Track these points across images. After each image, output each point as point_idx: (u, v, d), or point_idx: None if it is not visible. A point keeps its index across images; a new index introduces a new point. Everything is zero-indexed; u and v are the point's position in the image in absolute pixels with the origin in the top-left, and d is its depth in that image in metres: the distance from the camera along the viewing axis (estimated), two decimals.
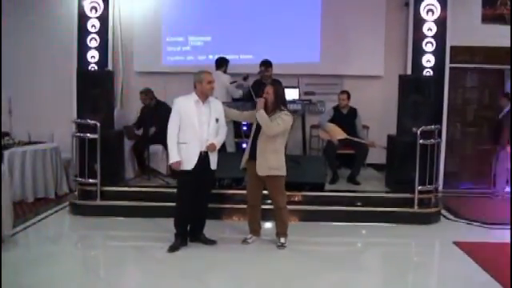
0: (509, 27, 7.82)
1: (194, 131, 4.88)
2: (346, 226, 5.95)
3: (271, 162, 4.88)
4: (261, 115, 4.82)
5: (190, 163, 4.88)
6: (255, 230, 5.26)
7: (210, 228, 5.37)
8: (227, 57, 7.43)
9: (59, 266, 4.54)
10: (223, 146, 7.15)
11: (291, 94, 7.49)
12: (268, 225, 5.67)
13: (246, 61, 7.99)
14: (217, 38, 8.23)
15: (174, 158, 4.89)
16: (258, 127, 4.91)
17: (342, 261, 4.92)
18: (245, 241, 5.18)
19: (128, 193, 6.29)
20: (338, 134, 6.80)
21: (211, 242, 5.18)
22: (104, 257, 5.07)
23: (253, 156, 4.95)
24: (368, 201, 6.25)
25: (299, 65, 8.01)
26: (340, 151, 6.92)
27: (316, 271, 4.59)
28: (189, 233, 5.16)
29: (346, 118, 7.03)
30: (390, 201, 6.26)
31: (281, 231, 5.15)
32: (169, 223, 5.15)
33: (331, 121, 6.97)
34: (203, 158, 4.93)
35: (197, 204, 5.08)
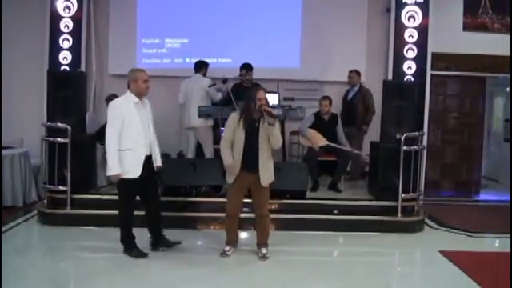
0: (490, 35, 7.91)
1: (139, 135, 4.61)
2: (327, 235, 5.77)
3: (271, 170, 4.78)
4: (276, 129, 4.65)
5: (136, 171, 4.60)
6: (234, 241, 5.03)
7: (187, 237, 5.16)
8: (205, 60, 7.20)
9: (27, 281, 4.23)
10: (202, 151, 6.99)
11: (271, 99, 7.30)
12: (243, 234, 5.46)
13: (225, 64, 7.81)
14: (194, 40, 8.02)
15: (114, 169, 4.53)
16: (250, 137, 4.65)
17: (325, 271, 4.73)
18: (224, 253, 4.93)
19: (100, 201, 5.98)
20: (319, 140, 6.64)
21: (175, 244, 4.99)
22: (74, 269, 4.72)
23: (249, 168, 4.69)
24: (350, 209, 6.08)
25: (279, 70, 7.86)
26: (321, 158, 6.75)
27: (299, 282, 4.41)
28: (150, 241, 4.97)
29: (327, 124, 6.87)
30: (372, 209, 6.12)
31: (263, 241, 4.94)
32: (144, 234, 4.90)
33: (312, 127, 6.81)
34: (148, 162, 4.72)
35: (149, 209, 4.90)
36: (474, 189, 8.39)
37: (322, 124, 6.84)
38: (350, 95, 7.51)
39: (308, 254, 5.25)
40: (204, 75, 7.02)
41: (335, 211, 6.01)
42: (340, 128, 6.90)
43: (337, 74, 7.79)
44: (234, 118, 4.70)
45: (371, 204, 6.20)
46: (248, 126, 4.63)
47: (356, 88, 7.44)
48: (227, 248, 4.97)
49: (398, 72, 7.55)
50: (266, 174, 4.71)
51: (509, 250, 5.53)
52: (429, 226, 6.40)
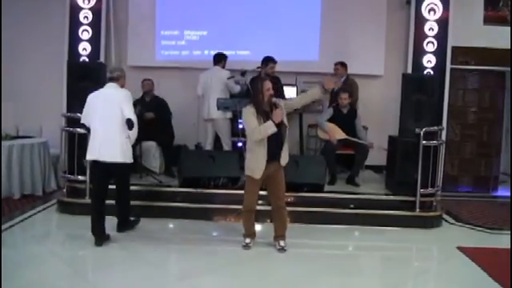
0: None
1: None
2: (344, 229, 5.76)
3: (286, 150, 4.81)
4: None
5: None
6: (253, 233, 5.04)
7: (204, 229, 5.20)
8: (224, 52, 7.20)
9: (46, 268, 4.29)
10: (220, 143, 7.02)
11: (289, 92, 7.35)
12: (258, 227, 5.47)
13: (243, 57, 7.79)
14: (213, 32, 8.00)
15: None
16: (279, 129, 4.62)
17: (341, 265, 4.73)
18: (246, 246, 4.93)
19: None
20: (338, 133, 6.62)
21: (135, 222, 5.33)
22: (93, 258, 4.79)
23: (273, 158, 4.67)
24: (368, 203, 6.07)
25: (297, 62, 7.81)
26: (339, 152, 6.73)
27: (315, 275, 4.41)
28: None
29: (345, 117, 6.84)
30: (390, 203, 6.10)
31: (281, 233, 4.95)
32: (160, 223, 4.94)
33: (330, 120, 6.79)
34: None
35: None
36: (492, 184, 8.27)
37: (340, 117, 6.81)
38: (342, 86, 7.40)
39: (324, 248, 5.25)
40: (223, 67, 7.02)
41: (351, 205, 6.00)
42: (359, 121, 6.86)
43: (356, 67, 7.70)
44: (250, 110, 4.63)
45: (389, 199, 6.17)
46: (266, 117, 4.59)
47: (342, 79, 7.35)
48: (248, 240, 4.97)
49: (418, 65, 7.43)
50: (284, 155, 4.75)
51: None
52: (446, 221, 6.36)
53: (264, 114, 4.61)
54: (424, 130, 5.97)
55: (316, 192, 6.06)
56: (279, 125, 4.54)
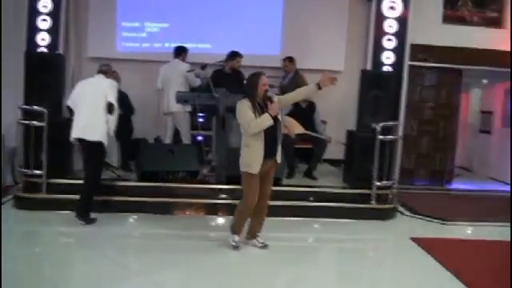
0: (468, 28, 8.04)
1: None
2: (302, 222, 5.86)
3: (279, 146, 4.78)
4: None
5: None
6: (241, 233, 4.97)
7: (164, 223, 5.16)
8: (185, 45, 7.17)
9: (2, 267, 4.17)
10: (179, 136, 7.01)
11: None
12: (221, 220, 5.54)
13: (204, 50, 7.78)
14: (175, 25, 7.96)
15: None
16: (275, 125, 4.57)
17: (300, 256, 4.83)
18: (236, 245, 4.82)
19: (76, 185, 5.84)
20: (296, 128, 6.68)
21: (93, 221, 5.34)
22: (51, 255, 4.69)
23: (270, 154, 4.61)
24: (325, 196, 6.18)
25: (259, 56, 7.81)
26: (298, 146, 6.82)
27: (275, 266, 4.51)
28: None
29: (304, 112, 6.94)
30: (347, 196, 6.23)
31: (259, 231, 4.94)
32: (119, 218, 4.91)
33: (289, 114, 6.85)
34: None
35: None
36: (447, 178, 8.56)
37: (299, 112, 6.89)
38: (285, 81, 7.51)
39: (283, 240, 5.32)
40: (183, 60, 7.00)
41: (311, 198, 6.10)
42: (317, 116, 6.98)
43: (317, 62, 7.80)
44: (246, 103, 4.53)
45: (346, 192, 6.30)
46: (261, 112, 4.52)
47: (290, 75, 7.44)
48: (237, 238, 4.85)
49: (377, 62, 7.58)
50: (279, 152, 4.73)
51: (477, 238, 5.73)
52: (402, 213, 6.56)
53: (259, 108, 4.55)
54: (381, 125, 6.11)
55: (274, 185, 6.06)
56: (275, 119, 4.51)
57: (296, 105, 6.89)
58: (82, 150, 5.58)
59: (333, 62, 8.06)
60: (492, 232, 6.09)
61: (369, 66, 7.64)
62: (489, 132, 9.81)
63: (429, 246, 5.25)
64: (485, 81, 9.94)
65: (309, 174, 6.77)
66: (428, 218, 6.43)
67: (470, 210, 7.05)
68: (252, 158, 4.55)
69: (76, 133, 5.35)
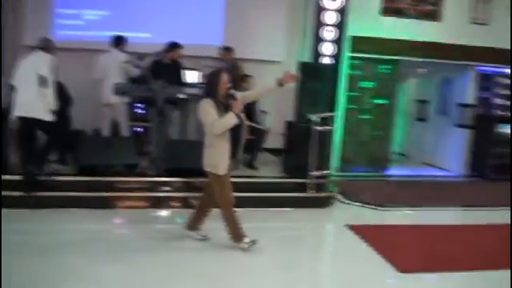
0: (406, 20, 8.36)
1: None
2: (243, 212, 5.86)
3: None
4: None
5: None
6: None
7: (103, 218, 5.08)
8: (124, 34, 7.02)
9: None
10: (116, 129, 6.90)
11: (191, 77, 7.34)
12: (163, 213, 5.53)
13: (144, 39, 7.64)
14: (114, 13, 7.79)
15: None
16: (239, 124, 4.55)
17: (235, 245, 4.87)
18: (252, 242, 4.76)
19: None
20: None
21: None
22: None
23: (235, 153, 4.63)
24: (265, 186, 6.30)
25: (200, 46, 7.76)
26: None
27: (211, 255, 4.59)
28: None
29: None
30: (286, 186, 6.36)
31: (202, 224, 4.99)
32: (57, 214, 4.78)
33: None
34: None
35: None
36: (384, 164, 8.87)
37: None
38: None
39: (223, 230, 5.37)
40: (122, 50, 6.87)
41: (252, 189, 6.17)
42: (257, 106, 7.04)
43: (258, 53, 7.86)
44: (209, 103, 4.43)
45: (285, 181, 6.44)
46: (224, 110, 4.44)
47: (228, 65, 7.29)
48: (247, 239, 4.75)
49: (316, 53, 7.71)
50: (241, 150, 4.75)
51: (412, 223, 6.03)
52: (340, 201, 6.77)
53: (222, 107, 4.47)
54: (318, 116, 6.26)
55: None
56: (238, 117, 4.45)
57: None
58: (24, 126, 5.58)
59: (273, 52, 8.16)
60: (426, 216, 6.44)
61: (308, 57, 7.76)
62: (424, 120, 10.23)
63: (363, 232, 5.47)
64: (421, 70, 10.32)
65: (249, 165, 6.86)
66: (365, 205, 6.68)
67: (406, 195, 7.36)
68: (218, 159, 4.51)
69: (18, 111, 5.45)
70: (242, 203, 5.93)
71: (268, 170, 6.82)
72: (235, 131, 4.52)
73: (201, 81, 7.25)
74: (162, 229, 5.13)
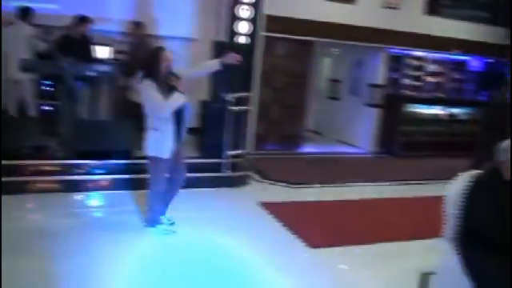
0: (321, 2, 8.50)
1: None
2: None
3: None
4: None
5: None
6: None
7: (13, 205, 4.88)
8: (30, 5, 6.54)
9: None
10: (23, 108, 6.52)
11: (102, 53, 7.06)
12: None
13: (51, 11, 7.13)
14: None
15: None
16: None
17: (149, 229, 4.85)
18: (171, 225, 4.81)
19: None
20: None
21: None
22: None
23: (180, 134, 4.53)
24: None
25: (111, 21, 7.39)
26: None
27: (123, 242, 4.51)
28: None
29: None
30: (202, 166, 6.35)
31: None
32: None
33: None
34: None
35: None
36: (298, 142, 9.14)
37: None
38: (131, 47, 7.23)
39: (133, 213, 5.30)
40: (29, 23, 6.43)
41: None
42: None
43: (171, 29, 7.65)
44: (150, 84, 4.25)
45: (200, 161, 6.42)
46: (166, 90, 4.28)
47: (136, 40, 7.18)
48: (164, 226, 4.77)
49: (232, 31, 7.67)
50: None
51: (323, 199, 6.29)
52: (256, 180, 6.92)
53: (165, 87, 4.29)
54: (232, 96, 6.29)
55: (125, 158, 6.02)
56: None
57: None
58: None
59: (187, 29, 8.00)
60: (337, 192, 6.73)
61: (223, 35, 7.72)
62: (337, 99, 10.59)
63: (276, 210, 5.66)
64: (335, 51, 10.64)
65: None
66: (279, 183, 6.87)
67: (318, 172, 7.65)
68: (161, 142, 4.37)
69: None
70: None
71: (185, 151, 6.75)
72: (179, 112, 4.37)
73: (112, 57, 7.00)
74: (75, 213, 4.97)
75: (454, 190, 3.54)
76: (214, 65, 4.70)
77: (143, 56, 4.98)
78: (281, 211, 5.65)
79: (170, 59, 4.34)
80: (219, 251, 4.62)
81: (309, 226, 5.29)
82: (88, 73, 6.13)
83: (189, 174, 5.99)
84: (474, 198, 3.29)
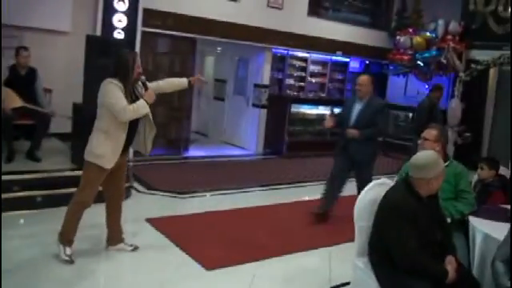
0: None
1: None
2: (30, 215, 5.05)
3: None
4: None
5: None
6: (72, 240, 4.23)
7: None
8: None
9: None
10: None
11: None
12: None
13: None
14: None
15: None
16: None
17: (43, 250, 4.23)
18: (70, 259, 4.11)
19: None
20: (13, 101, 5.63)
21: None
22: None
23: (128, 144, 4.14)
24: (51, 181, 5.39)
25: None
26: (17, 122, 5.76)
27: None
28: None
29: (23, 80, 5.88)
30: (75, 179, 5.50)
31: (122, 234, 4.52)
32: None
33: (7, 84, 5.72)
34: None
35: None
36: (183, 145, 8.66)
37: (18, 80, 5.82)
38: None
39: (25, 238, 4.41)
40: None
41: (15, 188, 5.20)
42: (39, 85, 6.00)
43: (42, 21, 6.74)
44: (118, 84, 3.91)
45: (73, 174, 5.54)
46: (131, 97, 3.98)
47: None
48: (69, 251, 4.13)
49: (108, 25, 6.93)
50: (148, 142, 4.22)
51: (209, 210, 5.84)
52: (138, 191, 6.29)
53: (132, 93, 4.01)
54: None
55: None
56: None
57: (14, 71, 5.82)
58: None
59: (58, 20, 7.11)
60: (226, 200, 6.32)
61: (99, 29, 6.96)
62: (222, 99, 10.24)
63: (164, 226, 5.14)
64: (219, 49, 10.27)
65: (31, 155, 5.80)
66: (163, 193, 6.34)
67: (205, 179, 7.23)
68: (108, 149, 3.97)
69: None
70: (26, 205, 5.06)
71: (54, 162, 5.84)
72: (134, 122, 4.06)
73: None
74: None
75: (365, 201, 3.34)
76: (182, 84, 4.51)
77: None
78: (169, 227, 5.10)
79: (140, 66, 4.11)
80: (101, 280, 3.97)
81: (200, 243, 4.79)
82: None
83: (63, 190, 5.25)
84: (384, 210, 3.14)
